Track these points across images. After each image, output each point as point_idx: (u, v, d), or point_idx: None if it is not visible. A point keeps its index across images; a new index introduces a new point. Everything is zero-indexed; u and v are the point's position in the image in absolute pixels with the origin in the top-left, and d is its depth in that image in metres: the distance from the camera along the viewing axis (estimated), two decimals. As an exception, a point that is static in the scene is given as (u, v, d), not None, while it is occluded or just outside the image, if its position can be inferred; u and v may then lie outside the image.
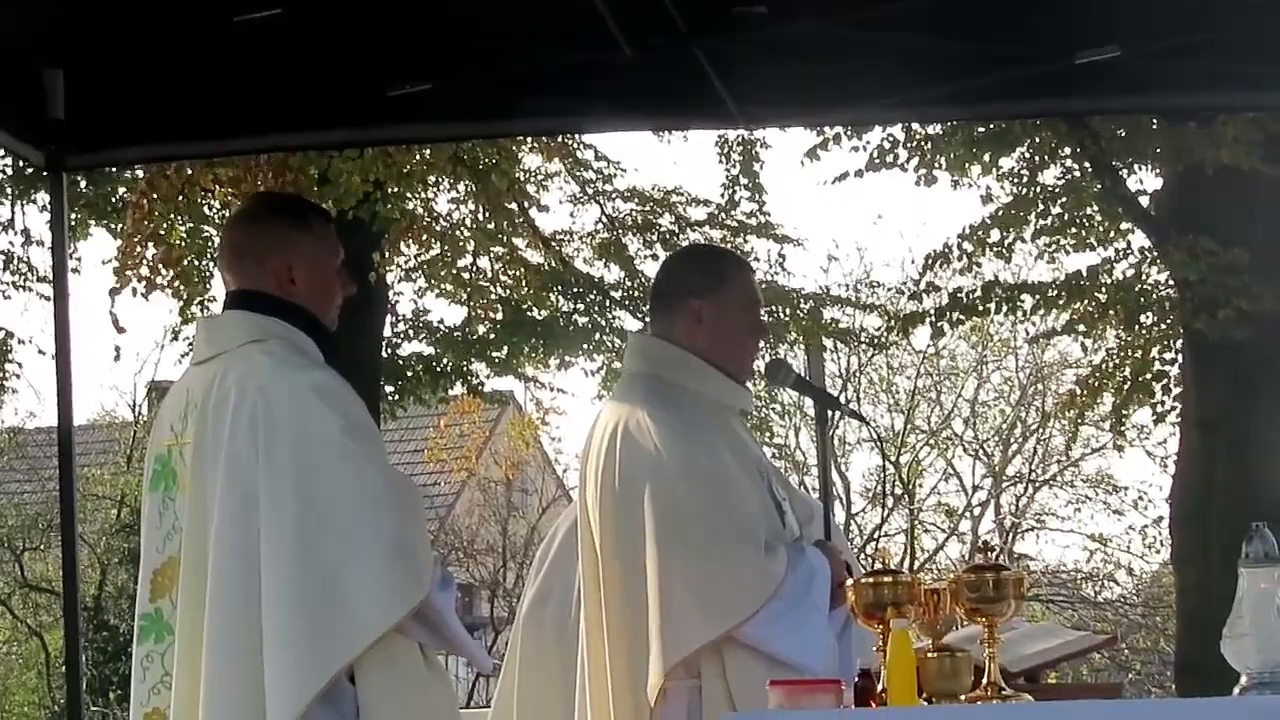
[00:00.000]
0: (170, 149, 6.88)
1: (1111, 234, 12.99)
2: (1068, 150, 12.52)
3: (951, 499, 25.66)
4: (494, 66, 5.61)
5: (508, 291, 15.05)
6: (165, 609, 4.44)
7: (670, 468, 4.80)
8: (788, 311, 15.37)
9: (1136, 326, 12.85)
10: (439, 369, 15.00)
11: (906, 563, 22.34)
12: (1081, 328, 13.37)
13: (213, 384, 4.43)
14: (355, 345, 12.01)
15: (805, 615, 4.75)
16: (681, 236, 15.48)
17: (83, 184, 13.53)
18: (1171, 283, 12.25)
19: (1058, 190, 12.98)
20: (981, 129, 12.17)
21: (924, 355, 24.92)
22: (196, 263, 13.19)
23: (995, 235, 13.00)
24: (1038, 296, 12.96)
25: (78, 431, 5.79)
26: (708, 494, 4.79)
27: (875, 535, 24.63)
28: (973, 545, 24.31)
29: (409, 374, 14.90)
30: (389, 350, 14.72)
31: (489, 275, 15.07)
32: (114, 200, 13.86)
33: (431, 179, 13.44)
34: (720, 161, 14.76)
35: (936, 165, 12.61)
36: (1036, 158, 12.87)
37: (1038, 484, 25.57)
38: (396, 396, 14.81)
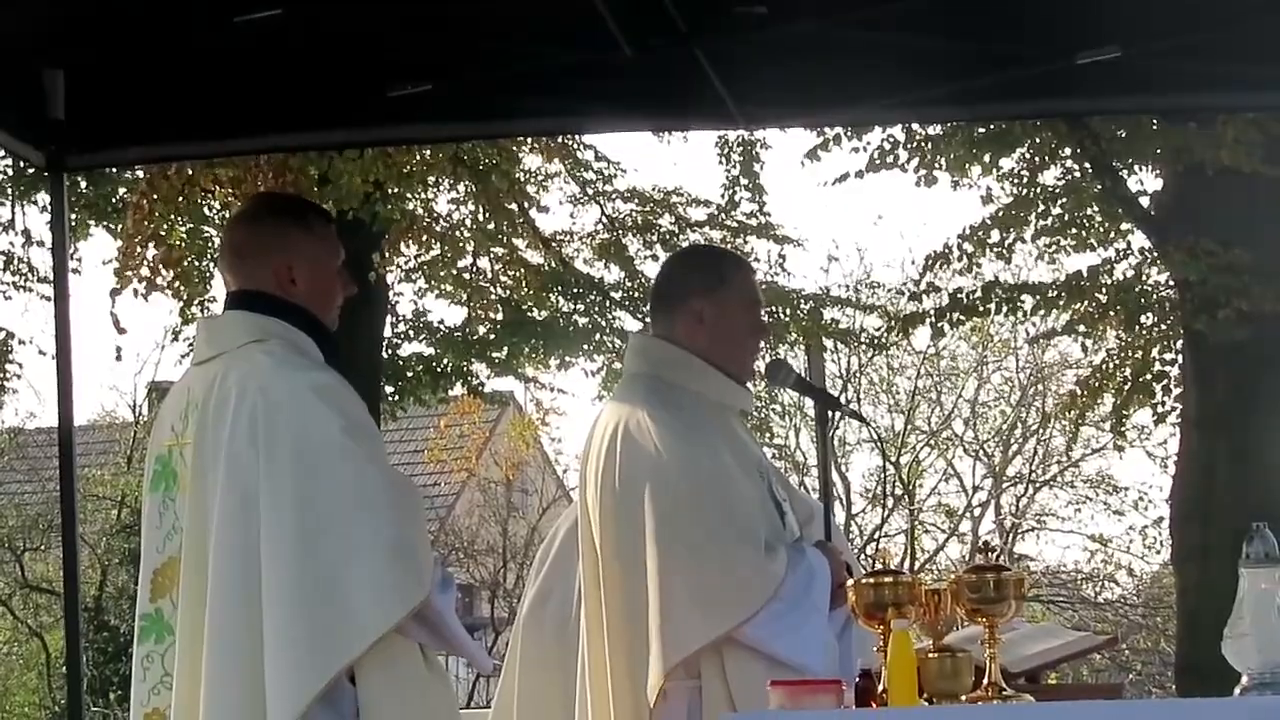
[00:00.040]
0: (170, 149, 6.88)
1: (1112, 234, 12.99)
2: (1068, 151, 12.52)
3: (952, 499, 25.69)
4: (494, 66, 5.61)
5: (508, 292, 15.04)
6: (165, 609, 4.44)
7: (670, 468, 4.80)
8: (788, 312, 15.36)
9: (1137, 327, 12.85)
10: (439, 369, 15.00)
11: (907, 563, 22.33)
12: (1082, 328, 13.36)
13: (213, 384, 4.43)
14: (355, 346, 12.01)
15: (805, 616, 4.75)
16: (682, 237, 15.48)
17: (83, 184, 13.54)
18: (1172, 283, 12.25)
19: (1058, 191, 12.98)
20: (982, 129, 12.17)
21: (924, 356, 24.93)
22: (197, 263, 13.19)
23: (995, 236, 12.99)
24: (1038, 297, 12.95)
25: (78, 432, 5.78)
26: (708, 494, 4.79)
27: (875, 536, 24.64)
28: (973, 546, 24.30)
29: (409, 374, 14.90)
30: (389, 351, 14.72)
31: (489, 276, 15.06)
32: (114, 201, 13.86)
33: (432, 179, 13.44)
34: (720, 162, 14.76)
35: (937, 166, 12.61)
36: (1037, 158, 12.87)
37: (1038, 484, 25.58)
38: (397, 397, 14.81)
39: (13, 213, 14.31)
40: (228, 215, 12.04)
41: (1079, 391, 14.03)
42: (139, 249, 12.56)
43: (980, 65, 5.59)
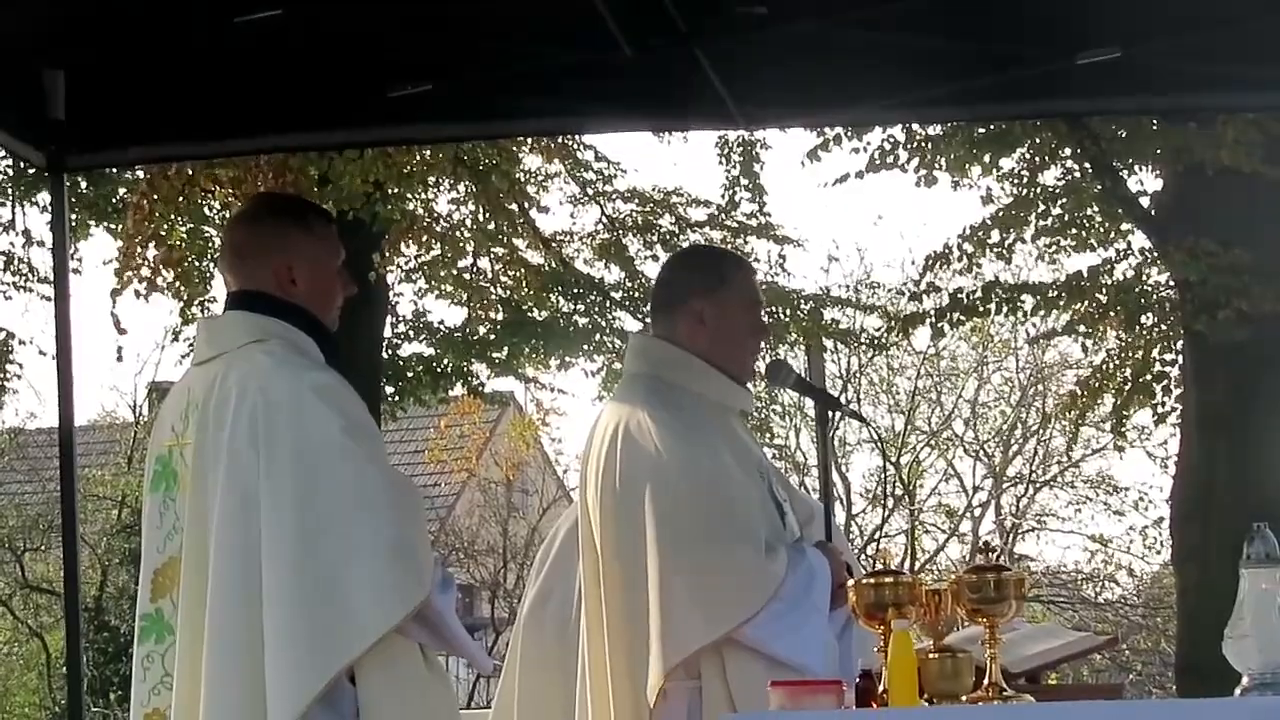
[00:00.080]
0: (171, 149, 6.88)
1: (1112, 235, 12.99)
2: (1068, 151, 12.52)
3: (952, 500, 25.70)
4: (494, 66, 5.61)
5: (508, 292, 15.04)
6: (166, 609, 4.44)
7: (671, 469, 4.79)
8: (788, 312, 15.36)
9: (1137, 327, 12.85)
10: (439, 370, 15.00)
11: (907, 563, 22.33)
12: (1082, 328, 13.36)
13: (214, 384, 4.43)
14: (355, 346, 12.01)
15: (805, 616, 4.75)
16: (682, 237, 15.47)
17: (83, 184, 13.54)
18: (1172, 283, 12.25)
19: (1058, 191, 12.98)
20: (982, 130, 12.17)
21: (924, 356, 24.93)
22: (197, 263, 13.19)
23: (995, 236, 12.99)
24: (1038, 297, 12.95)
25: (78, 432, 5.78)
26: (708, 495, 4.79)
27: (876, 536, 24.64)
28: (973, 546, 24.30)
29: (409, 375, 14.90)
30: (389, 351, 14.72)
31: (489, 276, 15.06)
32: (114, 201, 13.86)
33: (432, 180, 13.44)
34: (720, 162, 14.76)
35: (937, 166, 12.60)
36: (1037, 158, 12.87)
37: (1038, 485, 25.58)
38: (397, 397, 14.81)
39: (13, 213, 14.31)
40: (228, 215, 12.04)
41: (1079, 392, 14.03)
42: (139, 249, 12.57)
43: (980, 65, 5.59)
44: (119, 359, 18.12)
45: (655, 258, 15.36)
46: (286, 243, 4.55)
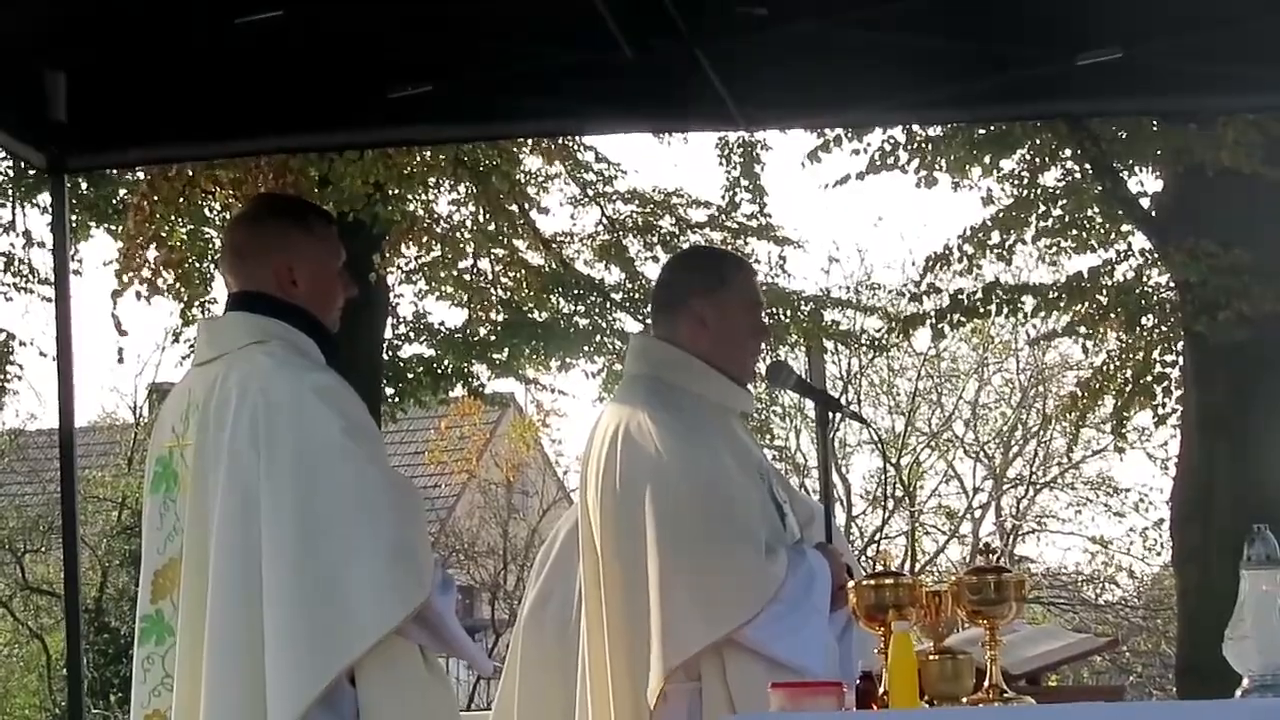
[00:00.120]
0: (171, 151, 6.88)
1: (1112, 236, 12.99)
2: (1068, 152, 12.51)
3: (952, 501, 25.71)
4: (494, 67, 5.61)
5: (508, 293, 15.04)
6: (166, 610, 4.44)
7: (671, 470, 4.79)
8: (788, 313, 15.36)
9: (1137, 328, 12.85)
10: (440, 371, 15.00)
11: (907, 565, 22.33)
12: (1082, 330, 13.36)
13: (214, 385, 4.43)
14: (356, 347, 12.01)
15: (805, 618, 4.75)
16: (682, 238, 15.48)
17: (84, 186, 13.53)
18: (1172, 285, 12.25)
19: (1058, 192, 12.98)
20: (982, 131, 12.17)
21: (925, 357, 24.95)
22: (197, 265, 13.20)
23: (996, 237, 12.99)
24: (1038, 298, 12.95)
25: (79, 433, 5.79)
26: (708, 496, 4.79)
27: (876, 537, 24.64)
28: (974, 547, 24.31)
29: (410, 376, 14.90)
30: (390, 352, 14.72)
31: (490, 277, 15.06)
32: (115, 202, 13.85)
33: (432, 181, 13.44)
34: (721, 164, 14.77)
35: (937, 167, 12.61)
36: (1037, 159, 12.87)
37: (1039, 486, 25.59)
38: (397, 398, 14.81)
39: (14, 214, 14.31)
40: (228, 217, 12.04)
41: (1079, 393, 14.03)
42: (140, 250, 12.57)
43: (981, 66, 5.59)
44: (119, 360, 17.99)
45: (655, 259, 15.37)
46: (287, 243, 4.55)
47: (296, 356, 4.45)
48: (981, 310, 12.97)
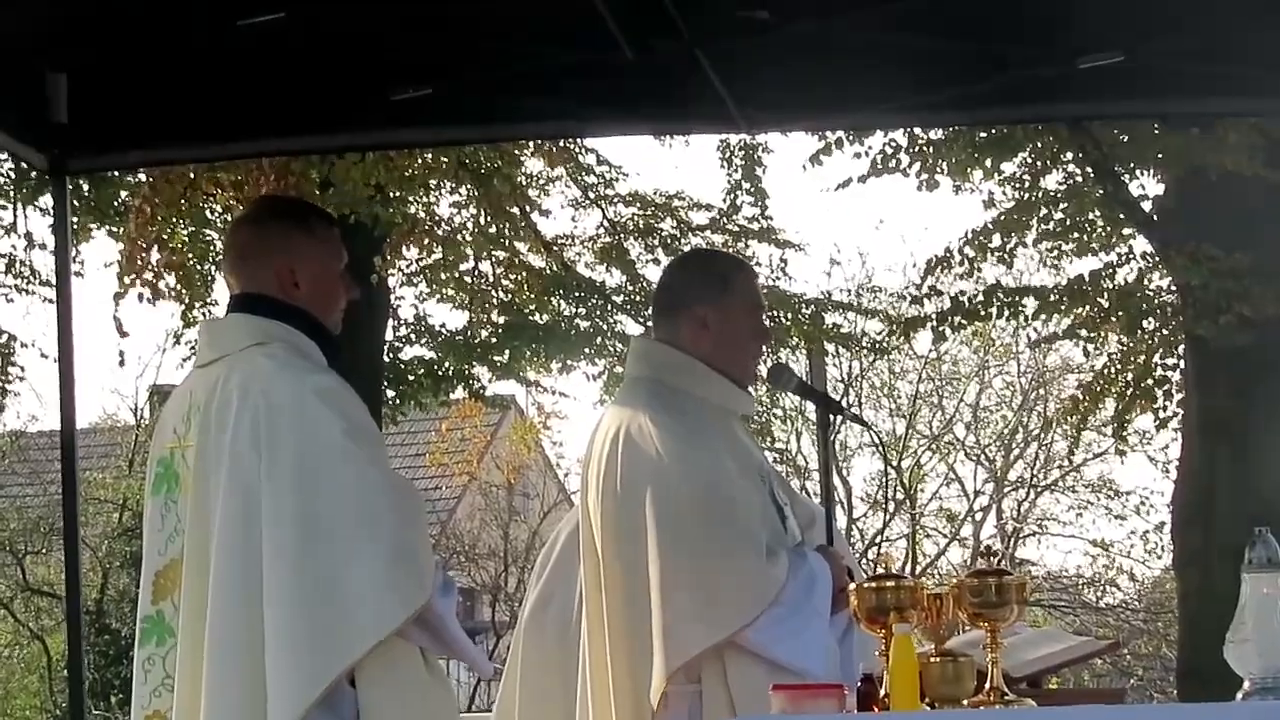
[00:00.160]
0: (173, 153, 6.88)
1: (1113, 239, 12.99)
2: (1070, 155, 12.51)
3: (953, 504, 25.70)
4: (495, 69, 5.61)
5: (509, 295, 15.04)
6: (167, 611, 4.44)
7: (672, 472, 4.79)
8: (790, 316, 15.36)
9: (1139, 331, 12.85)
10: (440, 373, 14.99)
11: (908, 568, 22.33)
12: (1083, 333, 13.35)
13: (215, 387, 4.43)
14: (357, 349, 12.00)
15: (806, 620, 4.75)
16: (683, 241, 15.47)
17: (85, 187, 13.53)
18: (1173, 288, 12.26)
19: (1059, 195, 12.98)
20: (983, 134, 12.17)
21: (926, 360, 24.95)
22: (199, 266, 13.18)
23: (997, 240, 12.99)
24: (1039, 301, 12.94)
25: (80, 435, 5.79)
26: (709, 499, 4.79)
27: (877, 540, 24.65)
28: (975, 550, 24.30)
29: (410, 378, 14.89)
30: (391, 354, 14.71)
31: (491, 279, 15.06)
32: (116, 204, 13.84)
33: (433, 183, 13.44)
34: (722, 166, 14.77)
35: (938, 170, 12.60)
36: (1038, 162, 12.87)
37: (1039, 489, 25.58)
38: (398, 401, 14.79)
39: (15, 216, 14.30)
40: (230, 218, 12.04)
41: (1080, 396, 14.04)
42: (141, 252, 12.57)
43: (982, 69, 5.59)
44: (121, 362, 18.00)
45: (657, 261, 15.36)
46: (289, 245, 4.55)
47: (298, 358, 4.45)
48: (982, 313, 12.96)
